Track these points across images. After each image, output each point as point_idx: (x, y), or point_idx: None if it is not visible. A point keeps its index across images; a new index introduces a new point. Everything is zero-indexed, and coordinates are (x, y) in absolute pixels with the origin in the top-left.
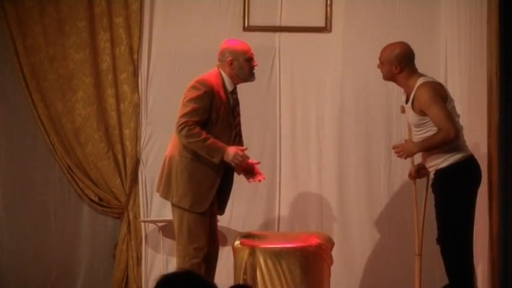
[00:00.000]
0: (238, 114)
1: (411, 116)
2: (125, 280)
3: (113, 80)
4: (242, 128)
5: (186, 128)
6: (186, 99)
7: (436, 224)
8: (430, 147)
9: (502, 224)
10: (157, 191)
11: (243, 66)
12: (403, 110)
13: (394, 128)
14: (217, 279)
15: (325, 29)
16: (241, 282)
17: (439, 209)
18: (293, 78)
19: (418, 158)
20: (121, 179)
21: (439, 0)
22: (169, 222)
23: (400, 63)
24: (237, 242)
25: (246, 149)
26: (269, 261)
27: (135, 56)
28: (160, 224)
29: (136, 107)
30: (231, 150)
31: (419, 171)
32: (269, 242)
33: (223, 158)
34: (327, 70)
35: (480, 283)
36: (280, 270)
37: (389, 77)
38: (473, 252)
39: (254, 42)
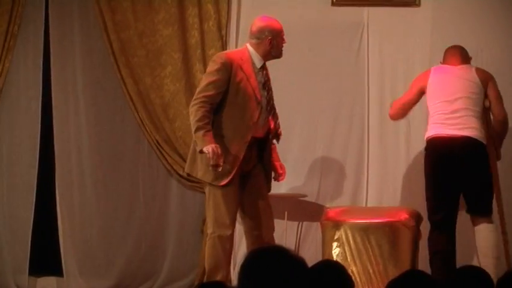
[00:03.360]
0: (269, 90)
1: None
2: None
3: (201, 56)
4: (331, 103)
5: (196, 106)
6: (205, 73)
7: None
8: None
9: None
10: (186, 168)
11: (279, 44)
12: None
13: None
14: (306, 255)
15: (414, 3)
16: (334, 255)
17: None
18: (382, 54)
19: None
20: None
21: None
22: None
23: None
24: (324, 218)
25: (220, 153)
26: (357, 237)
27: (224, 31)
28: None
29: None
30: (210, 146)
31: None
32: (357, 217)
33: (203, 149)
34: (416, 45)
35: None
36: (369, 246)
37: None
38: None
39: (342, 17)
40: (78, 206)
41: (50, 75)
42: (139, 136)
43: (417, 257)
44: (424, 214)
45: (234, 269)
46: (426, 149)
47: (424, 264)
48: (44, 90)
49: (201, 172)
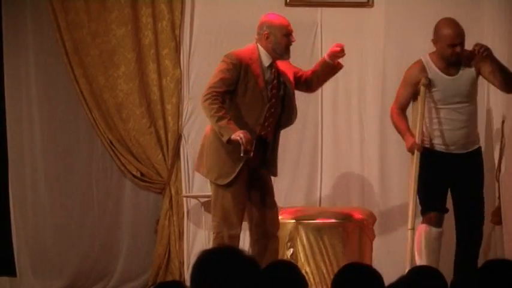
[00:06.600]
0: (275, 88)
1: (470, 80)
2: (166, 255)
3: (155, 56)
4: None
5: (209, 100)
6: (215, 71)
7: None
8: (503, 70)
9: None
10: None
11: (280, 41)
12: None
13: None
14: None
15: (368, 4)
16: (288, 255)
17: (478, 188)
18: None
19: None
20: (163, 155)
21: None
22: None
23: None
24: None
25: (250, 138)
26: (311, 237)
27: (177, 31)
28: (202, 200)
29: (178, 82)
30: (240, 132)
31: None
32: (311, 217)
33: (232, 138)
34: (369, 45)
35: None
36: (322, 245)
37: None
38: None
39: (296, 17)
40: (31, 205)
41: (2, 75)
42: (93, 136)
43: (371, 257)
44: (377, 214)
45: None
46: None
47: (377, 264)
48: None
49: (205, 170)
